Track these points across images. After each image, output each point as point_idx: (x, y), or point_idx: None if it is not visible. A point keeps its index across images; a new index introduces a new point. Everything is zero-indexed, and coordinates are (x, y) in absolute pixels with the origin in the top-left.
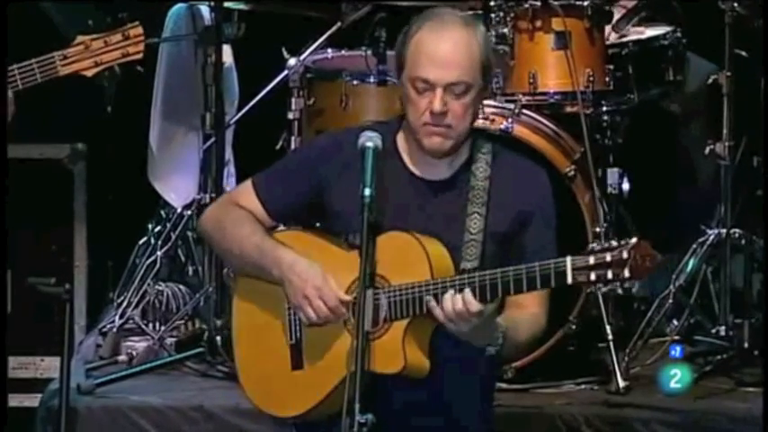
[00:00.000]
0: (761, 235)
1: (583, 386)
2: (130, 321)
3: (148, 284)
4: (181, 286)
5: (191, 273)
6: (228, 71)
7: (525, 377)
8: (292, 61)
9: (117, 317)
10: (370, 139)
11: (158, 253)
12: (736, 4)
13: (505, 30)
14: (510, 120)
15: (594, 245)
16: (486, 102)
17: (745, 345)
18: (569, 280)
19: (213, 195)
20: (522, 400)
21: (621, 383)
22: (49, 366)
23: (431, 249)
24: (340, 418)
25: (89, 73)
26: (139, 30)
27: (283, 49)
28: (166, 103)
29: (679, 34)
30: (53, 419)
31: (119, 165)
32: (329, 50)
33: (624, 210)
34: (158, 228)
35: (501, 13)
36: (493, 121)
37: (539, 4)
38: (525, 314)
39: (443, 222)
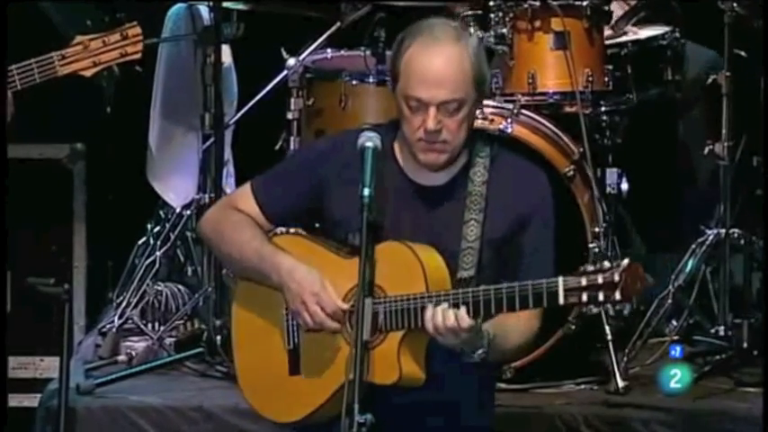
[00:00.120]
0: (760, 235)
1: (582, 386)
2: (130, 321)
3: (148, 284)
4: (180, 286)
5: (190, 273)
6: (228, 71)
7: (525, 377)
8: (291, 61)
9: (116, 317)
10: (370, 140)
11: (157, 253)
12: (735, 4)
13: (504, 30)
14: (509, 120)
15: (587, 266)
16: (485, 102)
17: (745, 345)
18: (561, 300)
19: (212, 195)
20: (522, 400)
21: (621, 383)
22: (48, 366)
23: (426, 261)
24: (339, 420)
25: (88, 73)
26: (138, 30)
27: (282, 50)
28: (165, 103)
29: (677, 34)
30: (52, 419)
31: (118, 165)
32: (328, 50)
33: (623, 210)
34: (157, 228)
35: (500, 13)
36: (492, 121)
37: (538, 4)
38: (517, 320)
39: (440, 230)
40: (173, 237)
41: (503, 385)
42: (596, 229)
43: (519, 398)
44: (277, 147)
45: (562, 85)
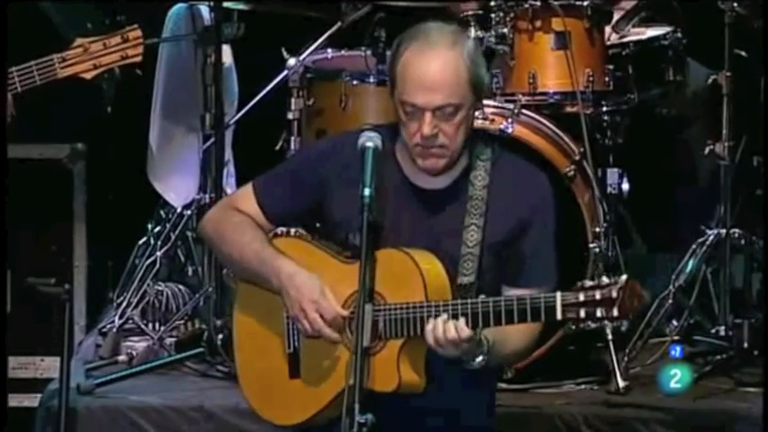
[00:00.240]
0: (761, 235)
1: (582, 386)
2: (130, 321)
3: (148, 284)
4: (180, 286)
5: (190, 273)
6: (228, 71)
7: (525, 377)
8: (292, 61)
9: (117, 317)
10: (370, 139)
11: (158, 253)
12: (735, 5)
13: (505, 30)
14: (509, 120)
15: (585, 281)
16: (485, 102)
17: (745, 345)
18: (559, 315)
19: (213, 195)
20: (522, 400)
21: (621, 383)
22: (48, 366)
23: (426, 269)
24: (339, 421)
25: (88, 75)
26: (138, 32)
27: (283, 49)
28: (166, 103)
29: (679, 34)
30: (53, 419)
31: (118, 165)
32: (329, 50)
33: (624, 210)
34: (158, 228)
35: (501, 13)
36: (492, 121)
37: (538, 4)
38: (518, 325)
39: (441, 234)
40: (173, 237)
41: (503, 385)
42: (597, 229)
43: (519, 398)
44: (277, 147)
45: (563, 85)
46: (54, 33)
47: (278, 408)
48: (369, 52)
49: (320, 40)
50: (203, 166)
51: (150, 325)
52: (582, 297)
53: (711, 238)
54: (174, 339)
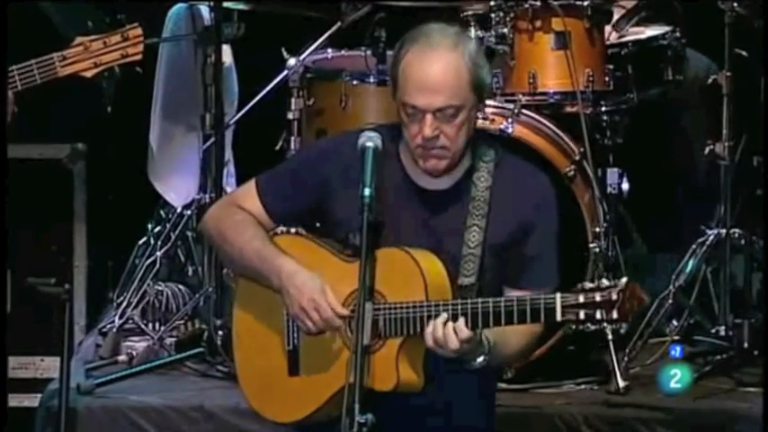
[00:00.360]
0: (761, 235)
1: (582, 386)
2: (130, 321)
3: (148, 284)
4: (180, 286)
5: (190, 273)
6: (228, 71)
7: (525, 377)
8: (292, 61)
9: (117, 317)
10: (371, 139)
11: (158, 253)
12: (736, 4)
13: (505, 30)
14: (510, 120)
15: (585, 283)
16: (486, 102)
17: (745, 345)
18: (558, 317)
19: (213, 195)
20: (522, 400)
21: (621, 383)
22: (48, 366)
23: (427, 268)
24: (339, 420)
25: (88, 74)
26: (138, 31)
27: (283, 49)
28: (166, 103)
29: (678, 34)
30: (53, 419)
31: (118, 165)
32: (329, 50)
33: (624, 210)
34: (158, 228)
35: (501, 13)
36: (493, 121)
37: (538, 4)
38: (520, 326)
39: (442, 234)
40: (173, 237)
41: (503, 385)
42: (597, 229)
43: (519, 398)
44: (277, 147)
45: (563, 85)
46: (54, 33)
47: (277, 405)
48: (369, 52)
49: (320, 40)
50: (203, 166)
51: (150, 325)
52: (582, 299)
53: (711, 238)
54: (174, 339)
